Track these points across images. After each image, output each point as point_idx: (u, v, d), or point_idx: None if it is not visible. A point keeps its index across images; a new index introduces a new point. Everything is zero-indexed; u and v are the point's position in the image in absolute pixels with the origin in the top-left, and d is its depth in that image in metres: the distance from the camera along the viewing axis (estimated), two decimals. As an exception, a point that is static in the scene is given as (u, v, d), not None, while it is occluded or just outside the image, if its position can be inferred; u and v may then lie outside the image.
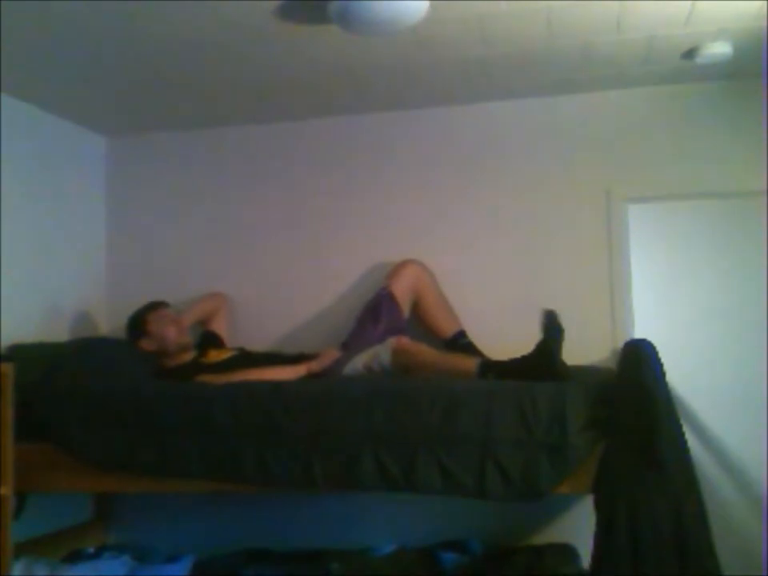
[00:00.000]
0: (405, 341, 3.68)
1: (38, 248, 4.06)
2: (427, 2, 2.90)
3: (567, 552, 3.62)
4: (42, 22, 3.07)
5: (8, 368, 3.13)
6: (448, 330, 3.94)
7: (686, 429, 2.97)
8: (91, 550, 3.77)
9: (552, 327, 3.19)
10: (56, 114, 4.17)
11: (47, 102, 4.02)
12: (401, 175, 4.30)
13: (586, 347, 3.86)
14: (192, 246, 4.54)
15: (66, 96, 3.95)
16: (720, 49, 3.46)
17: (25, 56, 3.40)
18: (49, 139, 4.18)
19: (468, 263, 4.17)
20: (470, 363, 3.37)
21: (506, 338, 3.93)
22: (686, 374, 3.70)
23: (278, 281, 4.39)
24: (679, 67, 3.74)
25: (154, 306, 3.83)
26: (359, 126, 4.36)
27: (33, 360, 3.42)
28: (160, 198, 4.61)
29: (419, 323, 3.97)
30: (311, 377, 3.56)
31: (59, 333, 4.09)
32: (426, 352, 3.57)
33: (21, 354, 3.53)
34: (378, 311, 3.81)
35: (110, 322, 4.47)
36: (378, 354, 3.61)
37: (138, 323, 3.79)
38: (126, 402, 3.25)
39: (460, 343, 3.88)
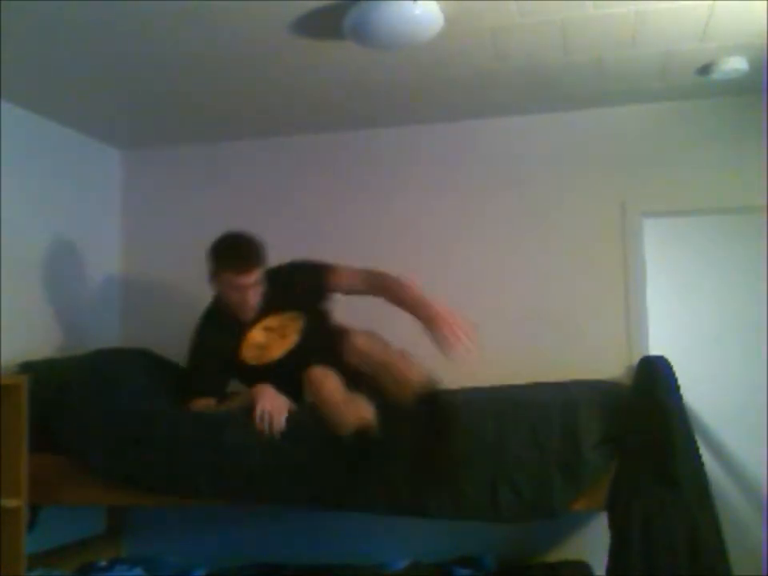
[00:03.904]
0: (315, 371, 3.09)
1: (53, 262, 4.08)
2: (441, 17, 2.90)
3: (582, 569, 3.60)
4: (57, 37, 3.09)
5: (23, 380, 3.15)
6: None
7: (700, 444, 2.95)
8: (104, 562, 3.77)
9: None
10: (70, 127, 4.20)
11: (61, 115, 4.04)
12: (414, 190, 4.31)
13: (601, 362, 3.84)
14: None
15: (81, 109, 3.98)
16: (736, 65, 3.45)
17: (39, 69, 3.43)
18: (63, 152, 4.20)
19: (483, 277, 4.16)
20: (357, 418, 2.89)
21: (520, 351, 3.93)
22: (700, 389, 3.68)
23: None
24: (695, 82, 3.73)
25: (232, 266, 3.20)
26: (374, 140, 4.37)
27: (47, 373, 3.43)
28: (174, 211, 4.62)
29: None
30: None
31: (73, 348, 4.10)
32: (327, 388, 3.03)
33: (34, 369, 3.53)
34: None
35: (125, 335, 4.48)
36: None
37: (211, 266, 3.30)
38: (137, 418, 3.25)
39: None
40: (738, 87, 3.75)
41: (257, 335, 3.25)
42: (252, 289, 3.19)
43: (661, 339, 3.90)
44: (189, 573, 3.73)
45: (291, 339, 3.26)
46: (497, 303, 4.11)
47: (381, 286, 3.31)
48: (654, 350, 3.74)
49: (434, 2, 2.83)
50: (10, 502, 3.03)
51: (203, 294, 4.40)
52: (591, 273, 4.03)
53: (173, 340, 4.15)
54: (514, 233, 4.16)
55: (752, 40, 3.26)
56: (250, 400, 3.09)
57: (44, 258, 4.01)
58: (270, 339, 3.28)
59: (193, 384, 3.34)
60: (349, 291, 3.41)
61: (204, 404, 3.25)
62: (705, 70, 3.55)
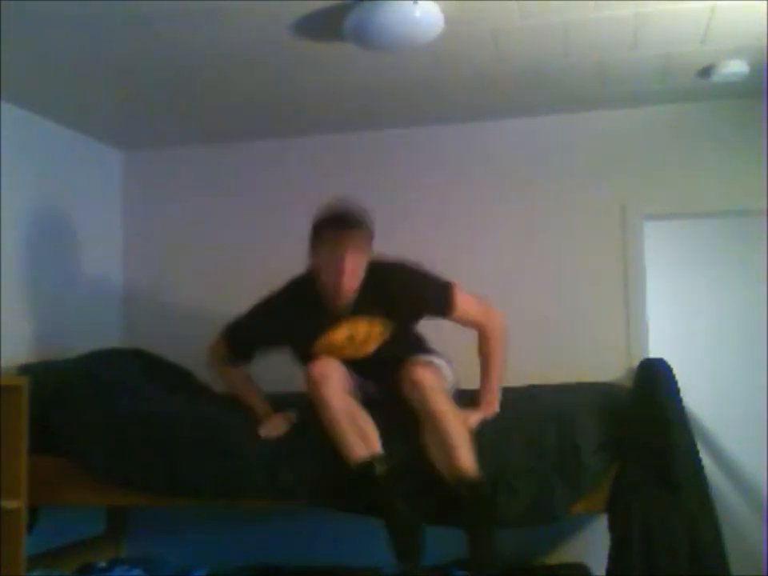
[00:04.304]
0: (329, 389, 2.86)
1: (53, 263, 4.08)
2: (442, 19, 2.90)
3: (581, 571, 3.60)
4: (57, 37, 3.09)
5: (23, 381, 3.14)
6: None
7: (700, 447, 2.95)
8: (103, 563, 3.77)
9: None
10: (71, 127, 4.20)
11: (62, 115, 4.04)
12: (413, 192, 4.31)
13: (601, 365, 3.84)
14: (210, 261, 4.55)
15: (81, 110, 3.98)
16: (736, 67, 3.45)
17: (39, 69, 3.43)
18: (64, 153, 4.21)
19: (483, 278, 4.14)
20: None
21: (520, 354, 3.92)
22: (700, 392, 3.68)
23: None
24: (695, 85, 3.73)
25: (333, 222, 2.85)
26: (375, 142, 4.37)
27: (46, 375, 3.43)
28: (175, 212, 4.63)
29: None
30: None
31: (73, 350, 4.09)
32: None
33: (34, 370, 3.54)
34: None
35: (125, 337, 4.49)
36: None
37: (311, 233, 2.93)
38: (137, 419, 3.25)
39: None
40: (738, 90, 3.75)
41: (337, 336, 2.88)
42: (350, 261, 2.75)
43: (661, 342, 3.90)
44: (188, 573, 3.73)
45: (367, 348, 2.93)
46: (497, 304, 4.08)
47: (478, 327, 3.08)
48: (654, 353, 3.74)
49: (435, 4, 2.83)
50: (10, 503, 3.03)
51: (204, 296, 4.44)
52: (591, 275, 4.03)
53: (174, 341, 4.18)
54: (515, 235, 4.16)
55: (752, 43, 3.26)
56: (256, 416, 3.09)
57: (44, 258, 4.01)
58: (348, 343, 2.92)
59: (232, 339, 3.15)
60: (456, 320, 3.06)
61: (235, 379, 3.22)
62: (705, 72, 3.55)
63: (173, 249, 4.59)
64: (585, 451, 2.78)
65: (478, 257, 4.18)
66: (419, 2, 2.78)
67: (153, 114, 4.08)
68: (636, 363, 3.60)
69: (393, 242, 4.25)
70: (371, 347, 2.89)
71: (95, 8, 2.82)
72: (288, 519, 4.07)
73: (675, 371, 3.07)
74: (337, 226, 2.81)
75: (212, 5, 2.83)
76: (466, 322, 3.04)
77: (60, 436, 3.27)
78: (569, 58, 3.41)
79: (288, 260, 4.35)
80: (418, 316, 3.02)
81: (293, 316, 2.92)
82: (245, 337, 3.13)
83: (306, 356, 2.92)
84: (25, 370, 3.53)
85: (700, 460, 2.87)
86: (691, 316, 4.15)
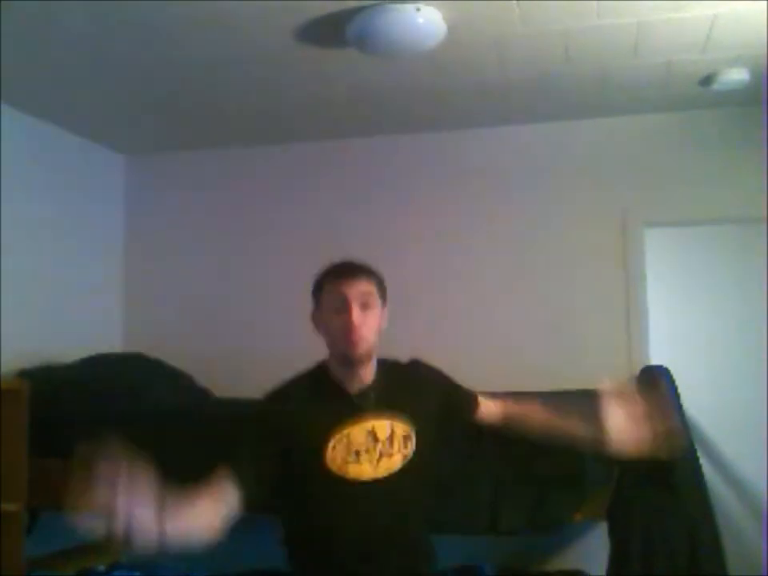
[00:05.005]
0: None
1: (55, 267, 4.09)
2: (444, 26, 2.91)
3: (580, 578, 3.59)
4: (60, 42, 3.11)
5: (24, 385, 3.15)
6: None
7: (700, 453, 2.95)
8: (102, 567, 3.76)
9: None
10: (74, 132, 4.22)
11: (65, 120, 4.06)
12: (415, 198, 4.31)
13: (602, 371, 3.81)
14: (212, 265, 4.55)
15: (85, 115, 4.00)
16: (737, 75, 3.47)
17: (42, 74, 3.45)
18: (67, 157, 4.22)
19: (483, 287, 4.16)
20: None
21: (521, 360, 3.93)
22: (700, 399, 3.68)
23: (302, 304, 4.39)
24: (696, 93, 3.74)
25: (334, 272, 2.28)
26: (376, 148, 4.38)
27: (46, 379, 3.43)
28: (178, 216, 4.64)
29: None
30: None
31: (74, 354, 4.09)
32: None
33: (33, 375, 3.54)
34: None
35: (127, 341, 4.49)
36: None
37: (313, 288, 2.32)
38: (137, 422, 3.25)
39: None
40: (739, 98, 3.76)
41: (357, 431, 2.16)
42: (358, 312, 2.18)
43: (661, 348, 3.90)
44: (187, 578, 3.73)
45: (391, 462, 2.18)
46: (497, 312, 4.11)
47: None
48: (655, 360, 3.74)
49: (437, 11, 2.84)
50: (10, 506, 3.04)
51: (206, 303, 4.44)
52: (592, 282, 4.04)
53: (175, 345, 4.18)
54: (515, 242, 4.17)
55: (753, 51, 3.27)
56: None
57: (47, 262, 4.01)
58: (368, 448, 2.16)
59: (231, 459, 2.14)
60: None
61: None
62: (706, 80, 3.56)
63: (175, 252, 4.60)
64: (588, 457, 2.78)
65: (479, 263, 4.18)
66: (422, 8, 2.80)
67: (155, 118, 4.09)
68: (637, 370, 3.60)
69: (393, 247, 4.29)
70: (396, 463, 2.16)
71: (98, 13, 2.83)
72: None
73: (676, 378, 3.08)
74: (339, 274, 2.28)
75: (215, 11, 2.84)
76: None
77: (60, 439, 3.27)
78: (570, 66, 3.42)
79: (290, 262, 4.39)
80: (448, 415, 2.32)
81: (299, 409, 2.19)
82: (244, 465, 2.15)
83: (313, 468, 2.13)
84: (25, 374, 3.54)
85: (700, 466, 2.88)
86: (692, 323, 4.15)
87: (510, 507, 2.78)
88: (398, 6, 2.79)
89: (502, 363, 3.89)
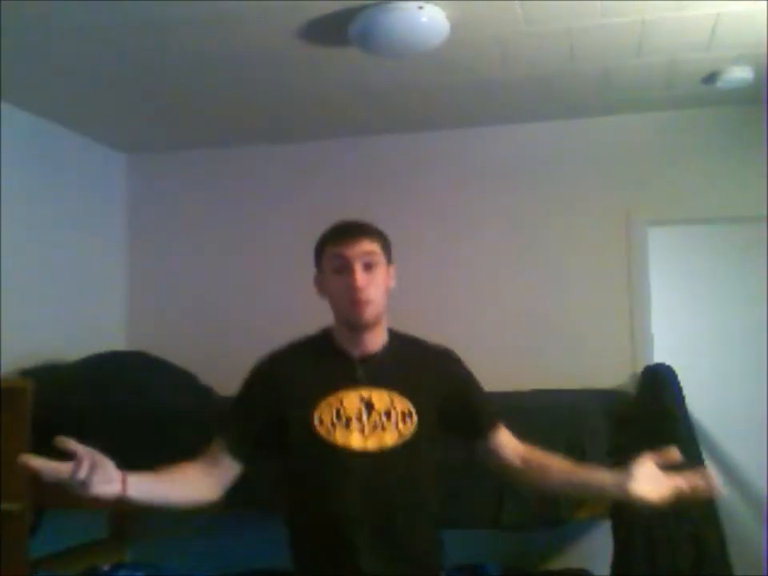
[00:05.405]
0: None
1: (57, 266, 4.10)
2: (447, 25, 2.91)
3: (584, 577, 3.59)
4: (63, 40, 3.11)
5: (28, 384, 3.15)
6: None
7: (704, 454, 2.95)
8: (106, 567, 3.76)
9: None
10: (76, 131, 4.22)
11: (67, 118, 4.06)
12: (419, 196, 4.31)
13: (605, 370, 3.84)
14: (214, 264, 4.55)
15: (87, 113, 4.00)
16: (741, 74, 3.46)
17: (44, 72, 3.45)
18: (69, 156, 4.23)
19: (488, 284, 4.16)
20: None
21: (524, 359, 3.93)
22: (704, 398, 3.67)
23: (305, 302, 4.40)
24: (700, 92, 3.73)
25: (333, 235, 2.18)
26: (379, 147, 4.38)
27: (50, 378, 3.44)
28: (180, 216, 4.64)
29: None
30: None
31: (78, 353, 4.10)
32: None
33: (37, 374, 3.54)
34: None
35: (130, 340, 4.49)
36: None
37: (315, 253, 2.21)
38: (141, 421, 3.25)
39: None
40: (743, 96, 3.75)
41: (349, 399, 2.04)
42: (364, 271, 2.06)
43: (665, 347, 3.90)
44: (191, 578, 3.74)
45: (386, 438, 2.02)
46: (501, 311, 4.11)
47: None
48: (659, 359, 3.74)
49: (440, 10, 2.84)
50: (13, 506, 3.04)
51: (208, 301, 4.44)
52: (596, 281, 4.03)
53: (178, 343, 4.19)
54: (519, 240, 4.17)
55: (757, 49, 3.26)
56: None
57: (49, 261, 4.02)
58: (360, 416, 2.03)
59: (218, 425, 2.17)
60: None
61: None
62: (710, 79, 3.56)
63: (177, 251, 4.60)
64: (591, 456, 2.78)
65: (482, 262, 4.18)
66: (424, 7, 2.79)
67: (158, 117, 4.09)
68: (640, 369, 3.61)
69: (396, 246, 4.28)
70: (391, 438, 2.02)
71: (101, 12, 2.83)
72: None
73: (679, 377, 3.08)
74: (340, 235, 2.17)
75: (217, 10, 2.84)
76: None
77: (63, 434, 3.27)
78: (573, 64, 3.41)
79: (293, 261, 4.38)
80: (459, 417, 2.16)
81: (292, 370, 2.12)
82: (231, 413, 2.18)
83: (301, 430, 2.01)
84: (29, 373, 3.54)
85: (705, 466, 2.87)
86: (696, 322, 4.14)
87: (514, 502, 2.78)
88: (401, 4, 2.78)
89: (504, 362, 3.88)
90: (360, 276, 2.05)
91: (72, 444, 1.78)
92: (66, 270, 4.15)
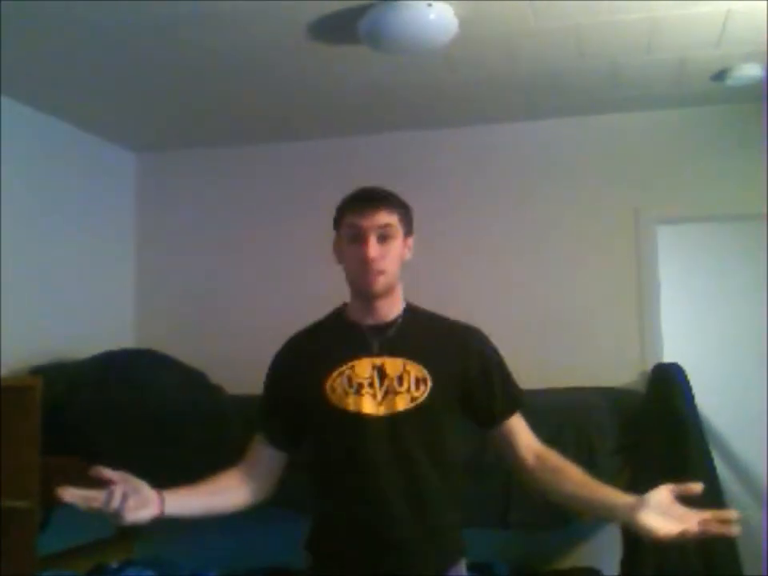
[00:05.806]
0: None
1: (66, 265, 4.10)
2: (456, 22, 2.91)
3: (593, 576, 3.58)
4: (72, 39, 3.11)
5: (37, 382, 3.16)
6: None
7: (713, 452, 2.94)
8: (115, 564, 3.77)
9: None
10: (85, 129, 4.22)
11: (76, 117, 4.06)
12: (427, 193, 4.30)
13: (615, 370, 3.83)
14: (224, 263, 4.56)
15: (96, 112, 4.00)
16: (750, 71, 3.45)
17: (54, 71, 3.46)
18: (77, 155, 4.23)
19: (496, 282, 4.15)
20: None
21: (533, 358, 3.92)
22: (713, 396, 3.66)
23: (316, 302, 4.39)
24: (709, 89, 3.72)
25: (351, 205, 2.21)
26: (388, 144, 4.37)
27: (59, 376, 3.44)
28: (189, 214, 4.65)
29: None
30: None
31: (85, 351, 4.10)
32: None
33: (46, 371, 3.55)
34: None
35: (138, 338, 4.50)
36: None
37: (336, 212, 2.26)
38: (150, 418, 3.25)
39: None
40: (752, 94, 3.74)
41: (361, 367, 2.04)
42: (379, 242, 2.10)
43: (674, 346, 3.88)
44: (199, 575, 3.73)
45: (397, 402, 2.00)
46: (510, 309, 4.10)
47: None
48: (668, 357, 3.72)
49: (449, 7, 2.84)
50: (22, 503, 3.05)
51: (217, 300, 4.44)
52: (604, 279, 4.02)
53: (187, 342, 4.19)
54: (527, 238, 4.16)
55: (766, 47, 3.24)
56: None
57: (58, 259, 4.03)
58: (373, 383, 2.03)
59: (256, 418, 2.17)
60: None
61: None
62: (719, 76, 3.54)
63: (186, 250, 4.61)
64: (600, 454, 2.78)
65: (491, 259, 4.18)
66: (433, 4, 2.79)
67: (167, 115, 4.10)
68: (650, 367, 3.60)
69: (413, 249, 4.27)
70: (402, 403, 1.99)
71: (110, 10, 2.84)
72: (298, 522, 4.06)
73: (689, 375, 3.07)
74: (358, 204, 2.19)
75: (227, 8, 2.84)
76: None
77: (73, 436, 3.28)
78: (582, 61, 3.40)
79: (302, 258, 4.39)
80: (477, 396, 2.13)
81: (308, 346, 2.16)
82: (264, 414, 2.16)
83: (315, 399, 2.02)
84: (37, 370, 3.55)
85: (714, 465, 2.86)
86: (705, 320, 4.12)
87: (522, 502, 2.77)
88: (410, 2, 2.78)
89: (513, 359, 3.84)
90: (373, 248, 2.07)
91: (106, 472, 1.81)
92: (75, 269, 4.16)
